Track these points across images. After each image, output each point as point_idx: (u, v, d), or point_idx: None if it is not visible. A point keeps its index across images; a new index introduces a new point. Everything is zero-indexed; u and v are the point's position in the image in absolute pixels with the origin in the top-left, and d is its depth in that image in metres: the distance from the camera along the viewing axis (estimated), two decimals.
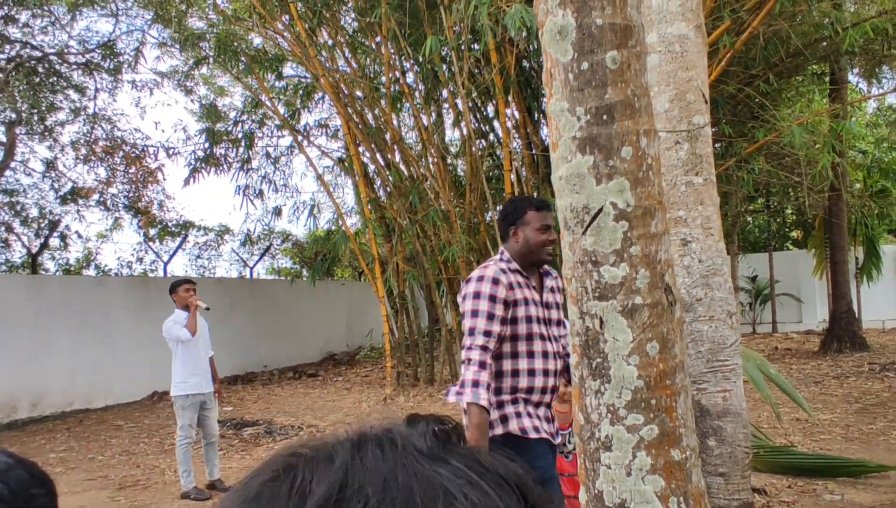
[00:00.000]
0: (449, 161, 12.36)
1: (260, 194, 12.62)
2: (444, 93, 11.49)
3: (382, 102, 11.35)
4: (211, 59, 11.81)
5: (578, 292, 2.10)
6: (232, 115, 13.39)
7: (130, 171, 11.00)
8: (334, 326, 16.49)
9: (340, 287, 17.37)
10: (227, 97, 14.05)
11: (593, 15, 1.99)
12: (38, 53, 10.30)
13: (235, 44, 11.04)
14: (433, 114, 12.80)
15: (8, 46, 9.95)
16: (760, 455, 5.62)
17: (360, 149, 11.67)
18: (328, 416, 9.70)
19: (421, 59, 10.79)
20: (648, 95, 2.11)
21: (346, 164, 12.73)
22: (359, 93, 11.60)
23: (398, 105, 11.92)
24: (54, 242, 12.22)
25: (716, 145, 12.81)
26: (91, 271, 13.58)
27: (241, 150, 12.21)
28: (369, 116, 11.74)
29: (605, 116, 2.00)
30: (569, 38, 2.02)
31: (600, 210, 2.02)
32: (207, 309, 6.37)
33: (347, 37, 11.77)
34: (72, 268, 13.21)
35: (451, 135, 12.88)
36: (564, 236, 2.14)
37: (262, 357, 14.36)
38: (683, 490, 2.04)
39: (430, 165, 11.27)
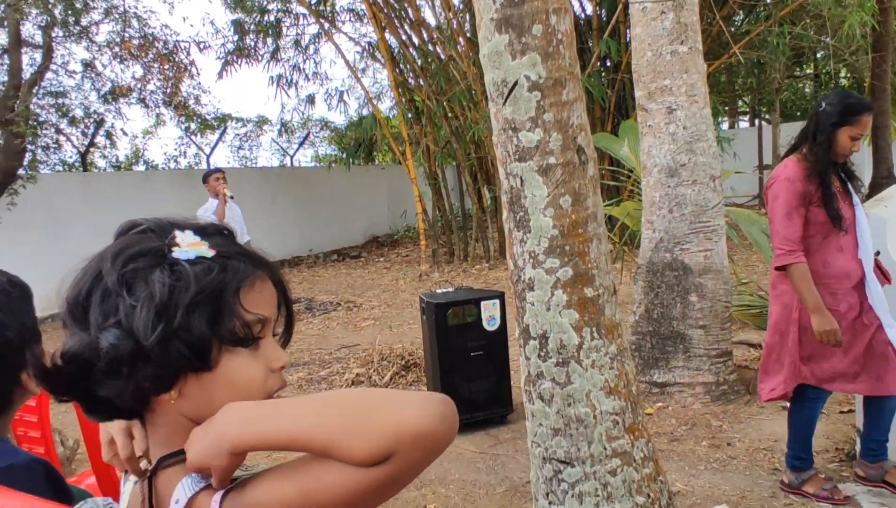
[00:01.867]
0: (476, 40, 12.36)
1: (293, 83, 12.90)
2: None
3: None
4: None
5: (503, 156, 2.41)
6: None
7: (164, 67, 11.32)
8: (376, 209, 16.98)
9: (381, 171, 17.75)
10: None
11: None
12: None
13: None
14: None
15: None
16: (763, 315, 5.91)
17: (386, 33, 11.74)
18: (366, 292, 10.29)
19: None
20: None
21: (374, 49, 12.83)
22: None
23: None
24: (102, 140, 12.79)
25: (741, 13, 12.48)
26: (140, 167, 14.21)
27: (269, 40, 12.41)
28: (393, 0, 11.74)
29: None
30: None
31: (516, 83, 2.30)
32: (232, 197, 6.83)
33: None
34: (121, 165, 13.85)
35: None
36: (491, 106, 2.43)
37: (307, 242, 15.00)
38: (596, 322, 2.40)
39: (457, 46, 11.32)
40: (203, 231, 0.87)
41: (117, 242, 0.86)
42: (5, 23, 10.13)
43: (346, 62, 12.57)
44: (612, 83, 11.42)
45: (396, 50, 12.12)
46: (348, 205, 16.00)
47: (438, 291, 4.88)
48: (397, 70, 12.00)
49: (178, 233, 0.85)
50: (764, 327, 6.29)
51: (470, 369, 4.41)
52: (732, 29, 12.58)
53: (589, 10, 12.28)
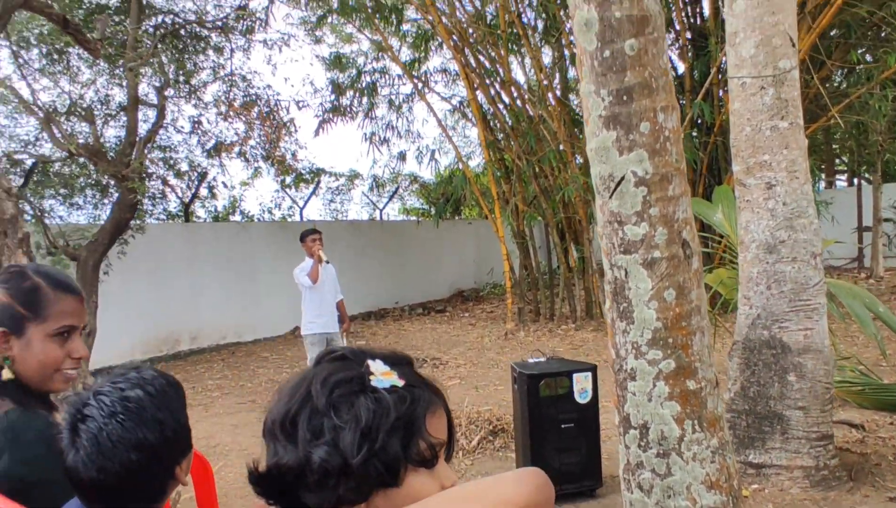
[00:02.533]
0: (568, 100, 12.49)
1: (385, 141, 13.30)
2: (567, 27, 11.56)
3: (499, 44, 11.60)
4: (334, 14, 12.46)
5: (608, 247, 2.46)
6: (359, 60, 14.04)
7: (265, 125, 11.87)
8: (462, 263, 17.16)
9: (467, 226, 17.96)
10: (354, 43, 14.63)
11: (612, 9, 2.30)
12: (180, 20, 11.23)
13: (353, 1, 11.56)
14: (552, 53, 12.93)
15: (154, 17, 10.93)
16: (865, 393, 5.69)
17: (478, 93, 12.00)
18: (451, 349, 10.37)
19: (535, 1, 10.97)
20: (668, 75, 2.39)
21: (465, 108, 13.12)
22: (475, 37, 11.88)
23: (514, 47, 12.12)
24: (203, 192, 13.44)
25: (840, 73, 12.20)
26: (236, 217, 14.82)
27: (365, 99, 12.88)
28: (485, 61, 12.02)
29: (625, 97, 2.32)
30: (593, 30, 2.34)
31: (623, 178, 2.36)
32: (328, 262, 7.07)
33: None
34: (219, 215, 14.48)
35: (572, 74, 12.98)
36: (597, 199, 2.49)
37: (394, 294, 15.25)
38: (698, 415, 2.39)
39: (547, 106, 11.47)
40: (391, 361, 1.00)
41: (321, 367, 1.00)
42: (124, 83, 10.86)
43: (438, 121, 12.89)
44: (705, 145, 11.31)
45: (487, 109, 12.36)
46: (435, 258, 16.23)
47: (530, 360, 4.90)
48: (487, 129, 12.22)
49: (370, 362, 0.98)
50: (866, 405, 6.04)
51: (561, 441, 4.40)
52: (830, 88, 12.33)
53: (681, 69, 12.27)
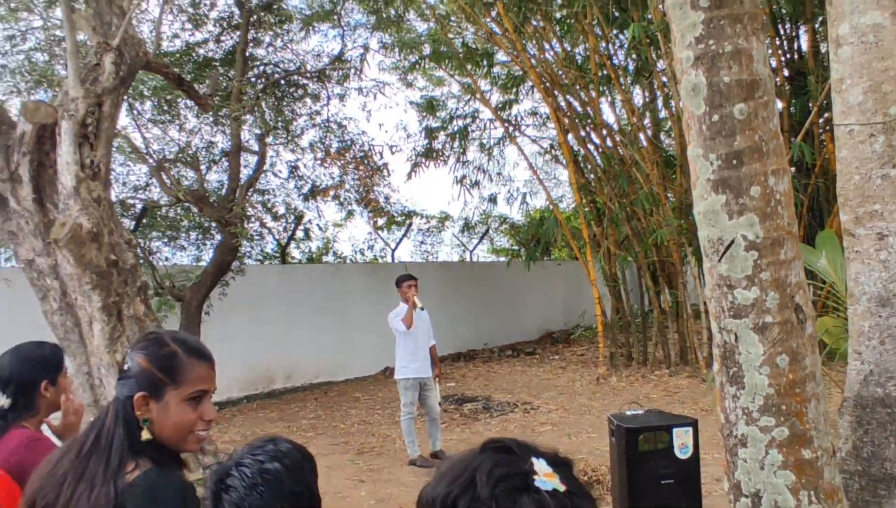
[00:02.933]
0: (659, 141, 12.36)
1: (476, 184, 13.46)
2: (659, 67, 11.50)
3: (589, 87, 11.62)
4: (426, 60, 12.77)
5: (717, 311, 2.43)
6: (450, 104, 14.30)
7: (359, 169, 12.22)
8: (551, 305, 17.04)
9: (557, 267, 17.86)
10: (445, 86, 14.90)
11: (721, 74, 2.30)
12: (280, 71, 11.75)
13: (444, 48, 11.82)
14: (643, 94, 12.86)
15: (256, 68, 11.48)
16: None
17: (568, 135, 12.02)
18: (542, 394, 10.27)
19: (626, 44, 10.98)
20: (778, 137, 2.37)
21: (555, 151, 13.15)
22: (565, 79, 11.94)
23: (605, 88, 12.12)
24: (299, 234, 13.88)
25: None
26: (329, 258, 15.21)
27: (456, 144, 13.10)
28: (576, 103, 12.05)
29: (734, 161, 2.31)
30: (701, 94, 2.35)
31: (732, 242, 2.34)
32: (422, 309, 7.17)
33: (553, 25, 12.13)
34: (313, 256, 14.89)
35: (663, 115, 12.87)
36: (705, 261, 2.47)
37: (483, 336, 15.25)
38: (814, 486, 2.31)
39: (639, 147, 11.38)
40: (554, 463, 1.01)
41: (486, 456, 1.02)
42: (227, 131, 11.40)
43: (528, 163, 12.95)
44: (805, 187, 10.96)
45: (577, 151, 12.35)
46: (524, 299, 16.18)
47: (627, 412, 4.83)
48: (578, 171, 12.19)
49: (535, 460, 1.00)
50: None
51: (661, 497, 4.30)
52: None
53: (779, 105, 11.97)
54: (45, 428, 2.86)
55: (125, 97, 10.11)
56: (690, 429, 4.35)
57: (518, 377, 11.83)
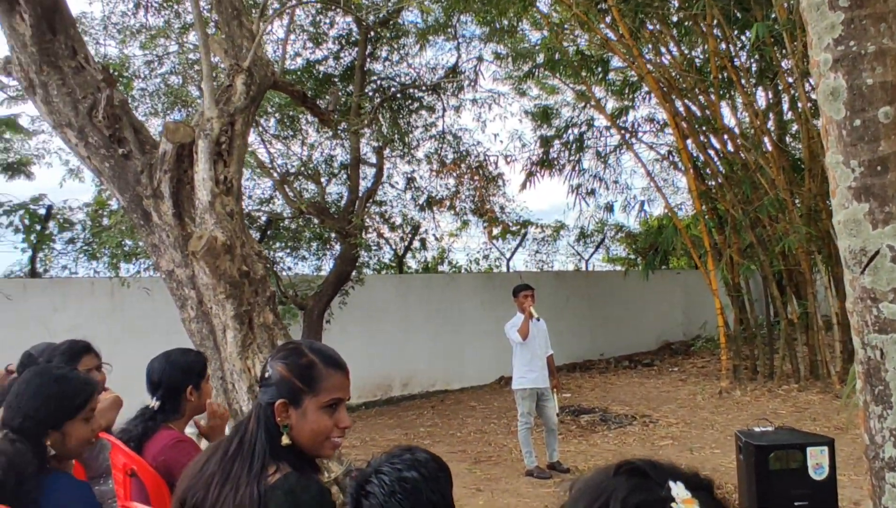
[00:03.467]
0: (785, 144, 11.83)
1: (591, 192, 13.30)
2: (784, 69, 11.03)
3: (709, 90, 11.27)
4: (540, 69, 12.74)
5: (860, 325, 2.31)
6: (564, 112, 14.20)
7: (474, 179, 12.31)
8: (670, 315, 16.58)
9: (676, 276, 17.37)
10: (559, 95, 14.82)
11: (864, 76, 2.19)
12: (396, 84, 12.02)
13: (558, 55, 11.76)
14: (766, 96, 12.35)
15: (374, 83, 11.79)
16: None
17: (687, 141, 11.69)
18: (661, 406, 10.01)
19: (749, 45, 10.57)
20: None
21: (674, 157, 12.82)
22: (683, 83, 11.63)
23: (726, 92, 11.71)
24: (415, 244, 14.12)
25: None
26: (445, 268, 15.38)
27: (571, 152, 12.99)
28: (695, 108, 11.71)
29: (878, 168, 2.19)
30: (840, 98, 2.24)
31: (877, 253, 2.21)
32: (538, 319, 7.15)
33: (670, 29, 11.85)
34: (429, 265, 15.10)
35: (789, 116, 12.32)
36: (846, 273, 2.35)
37: (599, 346, 15.02)
38: None
39: (763, 151, 10.93)
40: (692, 485, 0.97)
41: (621, 481, 0.99)
42: (346, 145, 11.76)
43: (646, 171, 12.68)
44: None
45: (697, 157, 11.99)
46: (641, 309, 15.82)
47: (756, 429, 4.63)
48: (699, 178, 11.83)
49: (672, 485, 0.95)
50: None
51: None
52: None
53: None
54: (189, 430, 3.04)
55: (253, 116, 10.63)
56: (826, 449, 4.13)
57: (636, 389, 11.57)
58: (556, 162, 13.16)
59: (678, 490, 0.94)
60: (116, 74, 9.36)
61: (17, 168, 9.47)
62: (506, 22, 12.08)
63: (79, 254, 10.66)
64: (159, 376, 2.85)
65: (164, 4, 10.24)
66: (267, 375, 1.89)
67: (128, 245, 10.00)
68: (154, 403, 2.85)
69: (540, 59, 12.69)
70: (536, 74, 12.93)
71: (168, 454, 2.71)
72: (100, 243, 10.21)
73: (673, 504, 0.93)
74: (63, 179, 11.05)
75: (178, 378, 2.86)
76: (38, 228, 10.19)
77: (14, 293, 9.01)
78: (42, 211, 10.24)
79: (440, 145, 12.43)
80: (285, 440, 1.81)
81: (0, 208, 9.83)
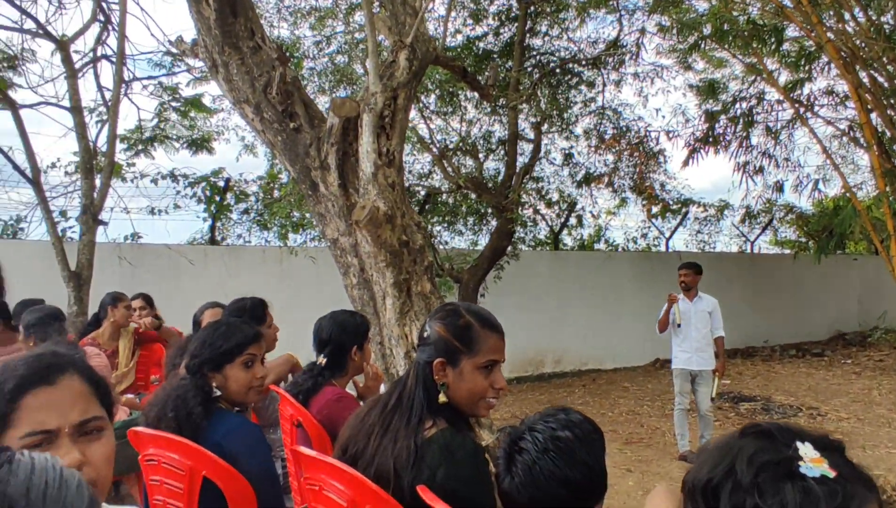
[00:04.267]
0: None
1: (759, 170, 12.56)
2: None
3: None
4: (707, 40, 12.14)
5: None
6: (731, 86, 13.50)
7: (634, 156, 11.99)
8: (844, 303, 15.50)
9: (852, 262, 16.18)
10: (727, 68, 14.10)
11: None
12: (555, 59, 11.88)
13: (727, 26, 11.14)
14: None
15: (533, 58, 11.72)
16: None
17: (872, 115, 10.77)
18: (831, 399, 9.41)
19: None
20: None
21: (855, 133, 11.87)
22: (870, 53, 10.70)
23: None
24: (571, 221, 13.98)
25: None
26: (601, 246, 15.13)
27: (738, 128, 12.33)
28: (881, 79, 10.76)
29: None
30: None
31: None
32: (699, 298, 6.98)
33: None
34: (585, 243, 14.91)
35: None
36: None
37: (763, 332, 14.29)
38: None
39: None
40: (823, 446, 0.95)
41: (747, 441, 0.99)
42: (504, 120, 11.79)
43: (822, 147, 11.81)
44: None
45: (883, 133, 11.03)
46: (811, 296, 14.89)
47: None
48: (884, 155, 10.89)
49: (799, 444, 0.94)
50: None
51: None
52: None
53: None
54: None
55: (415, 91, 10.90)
56: None
57: (802, 380, 10.93)
58: (721, 138, 12.50)
59: (806, 449, 0.93)
60: (288, 54, 9.87)
61: (201, 144, 10.21)
62: None
63: (252, 224, 11.41)
64: (328, 334, 3.03)
65: None
66: (426, 334, 1.96)
67: (296, 216, 10.59)
68: (321, 359, 3.03)
69: (707, 30, 12.06)
70: (703, 45, 12.32)
71: (332, 407, 2.88)
72: (271, 214, 10.88)
73: (801, 463, 0.91)
74: (239, 153, 11.81)
75: (344, 338, 3.03)
76: (218, 199, 11.00)
77: (196, 258, 9.78)
78: (221, 183, 11.03)
79: (599, 121, 12.19)
80: (442, 398, 1.88)
81: (185, 179, 10.69)
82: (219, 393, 2.47)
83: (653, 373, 11.99)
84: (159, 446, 2.39)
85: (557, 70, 11.84)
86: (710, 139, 12.36)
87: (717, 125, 12.57)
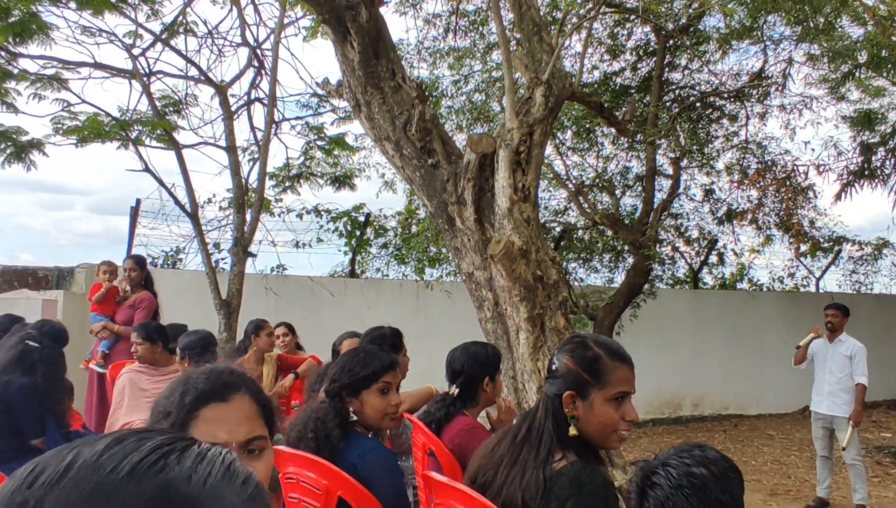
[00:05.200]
0: None
1: None
2: None
3: None
4: (862, 68, 11.51)
5: None
6: (891, 116, 12.68)
7: (780, 191, 11.45)
8: None
9: None
10: (885, 97, 13.27)
11: None
12: (695, 92, 11.60)
13: (885, 52, 10.51)
14: None
15: (672, 92, 11.50)
16: None
17: None
18: None
19: None
20: None
21: None
22: None
23: None
24: (712, 259, 13.49)
25: None
26: (744, 285, 14.47)
27: None
28: None
29: None
30: None
31: None
32: (839, 340, 6.66)
33: None
34: (727, 282, 14.31)
35: None
36: None
37: None
38: None
39: None
40: None
41: None
42: (642, 156, 11.60)
43: None
44: None
45: None
46: None
47: None
48: None
49: None
50: None
51: None
52: None
53: None
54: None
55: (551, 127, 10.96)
56: None
57: None
58: (879, 172, 11.74)
59: None
60: (427, 93, 10.20)
61: (343, 180, 10.65)
62: (821, 19, 11.06)
63: (390, 258, 11.76)
64: (460, 365, 3.08)
65: (471, 27, 10.92)
66: (554, 367, 1.97)
67: (432, 251, 10.82)
68: (454, 390, 3.09)
69: (862, 57, 11.43)
70: (858, 74, 11.68)
71: (463, 437, 2.92)
72: (408, 249, 11.17)
73: None
74: (379, 190, 12.23)
75: (476, 369, 3.07)
76: (358, 233, 11.43)
77: (336, 290, 10.17)
78: (361, 218, 11.46)
79: (742, 155, 11.75)
80: (572, 430, 1.88)
81: (328, 214, 11.18)
82: (355, 418, 2.57)
83: (801, 421, 11.26)
84: (299, 465, 2.52)
85: (697, 104, 11.56)
86: (867, 173, 11.65)
87: (874, 158, 11.83)
